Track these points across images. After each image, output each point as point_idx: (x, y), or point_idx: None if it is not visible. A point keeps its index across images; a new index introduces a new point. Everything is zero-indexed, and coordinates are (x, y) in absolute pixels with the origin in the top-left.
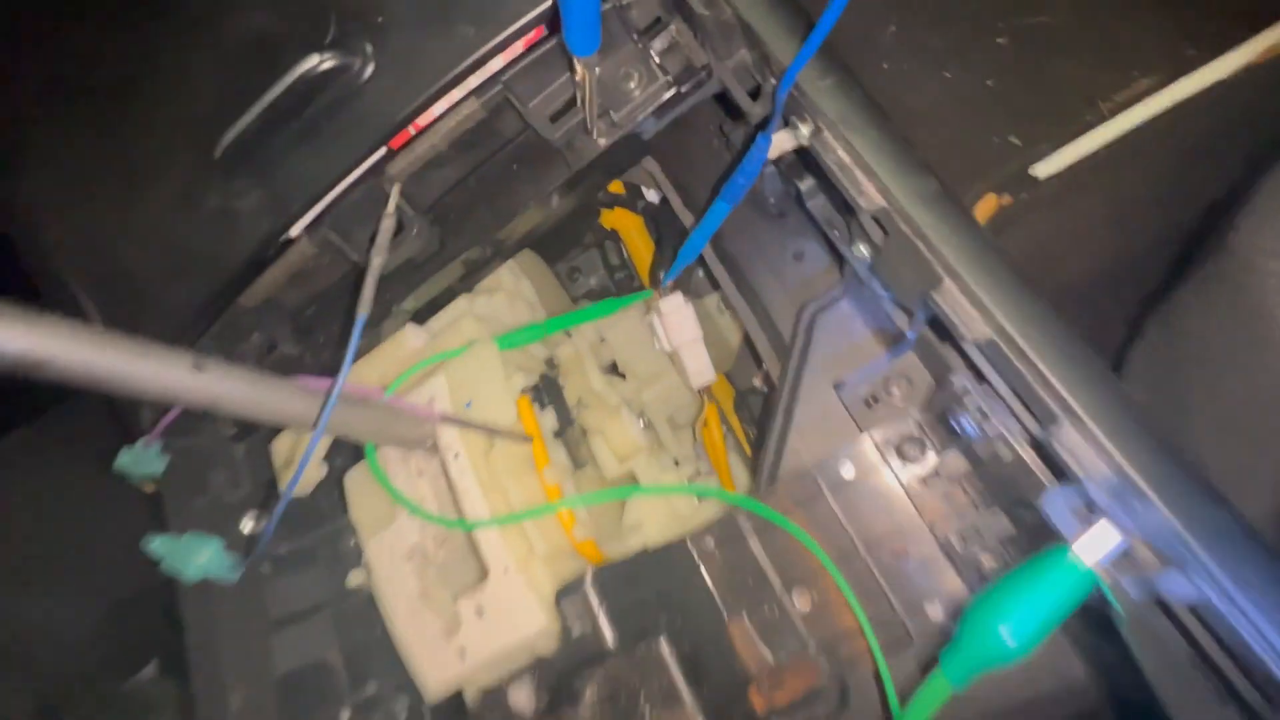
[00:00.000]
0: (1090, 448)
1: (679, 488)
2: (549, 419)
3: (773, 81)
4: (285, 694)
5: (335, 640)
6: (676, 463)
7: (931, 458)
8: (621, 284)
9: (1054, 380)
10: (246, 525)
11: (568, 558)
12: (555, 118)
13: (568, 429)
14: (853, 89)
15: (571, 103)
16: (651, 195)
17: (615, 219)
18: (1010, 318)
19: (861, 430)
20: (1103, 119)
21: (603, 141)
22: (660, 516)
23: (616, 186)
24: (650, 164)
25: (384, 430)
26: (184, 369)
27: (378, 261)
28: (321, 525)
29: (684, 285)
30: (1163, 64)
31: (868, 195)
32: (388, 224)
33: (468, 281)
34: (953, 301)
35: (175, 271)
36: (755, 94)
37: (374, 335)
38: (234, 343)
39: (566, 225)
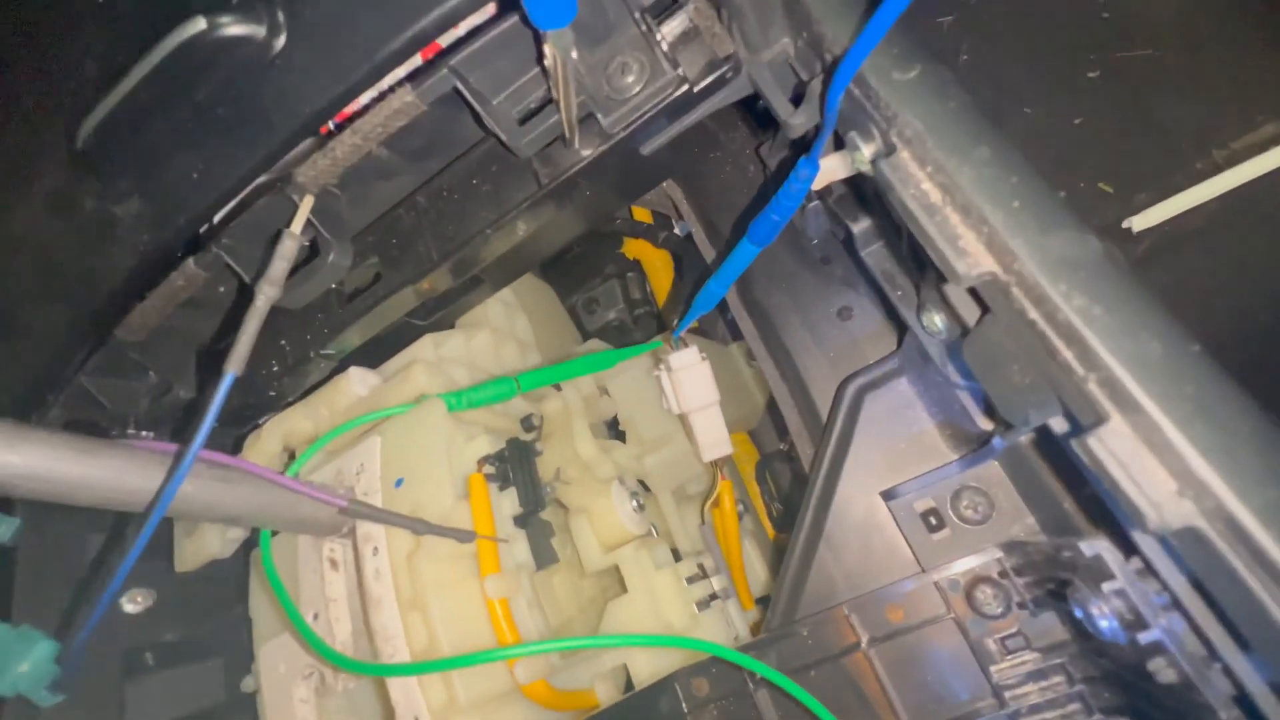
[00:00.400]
0: None
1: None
2: (508, 502)
3: (822, 80)
4: None
5: None
6: (678, 554)
7: (1020, 617)
8: (641, 321)
9: None
10: (129, 605)
11: (507, 703)
12: (525, 119)
13: (535, 513)
14: (950, 88)
15: (547, 101)
16: (679, 228)
17: (638, 249)
18: (1243, 495)
19: (919, 561)
20: (1216, 168)
21: (585, 152)
22: (647, 627)
23: (644, 215)
24: (673, 189)
25: (275, 514)
26: None
27: (263, 298)
28: (232, 603)
29: (708, 330)
30: None
31: (968, 253)
32: (287, 247)
33: (434, 317)
34: (1121, 454)
35: (41, 291)
36: (799, 99)
37: (292, 385)
38: (120, 379)
39: (586, 253)
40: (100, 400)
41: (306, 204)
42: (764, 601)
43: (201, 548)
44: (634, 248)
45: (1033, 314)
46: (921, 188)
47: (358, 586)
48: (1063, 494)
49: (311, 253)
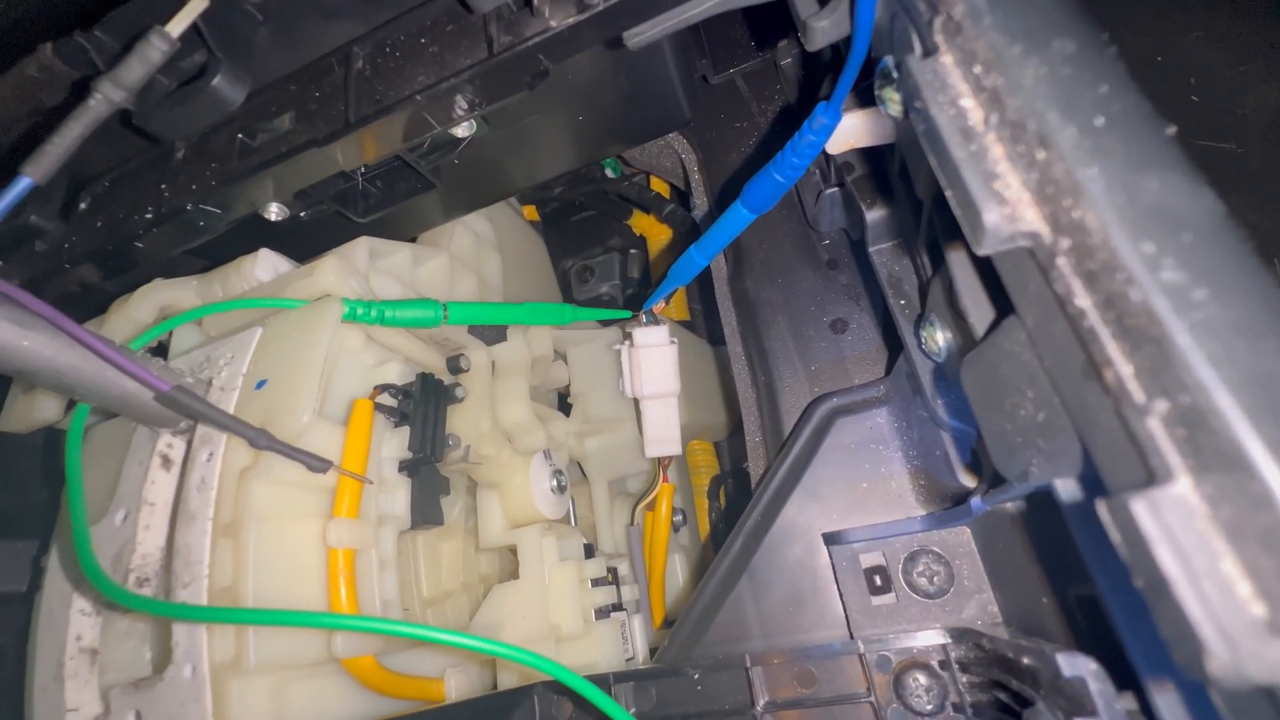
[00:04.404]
0: None
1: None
2: (397, 442)
3: None
4: None
5: None
6: (591, 552)
7: (951, 719)
8: (632, 302)
9: None
10: None
11: (316, 675)
12: None
13: (428, 463)
14: None
15: None
16: (698, 211)
17: (647, 225)
18: None
19: (850, 624)
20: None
21: (553, 22)
22: (530, 624)
23: (661, 187)
24: (682, 146)
25: (84, 384)
26: None
27: (100, 97)
28: (54, 485)
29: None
30: None
31: (1006, 200)
32: (153, 48)
33: (370, 215)
34: (1185, 532)
35: None
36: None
37: (166, 240)
38: None
39: (594, 219)
40: None
41: (196, 5)
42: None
43: (34, 409)
44: (643, 224)
45: (1083, 300)
46: (960, 104)
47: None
48: (1046, 586)
49: (197, 74)
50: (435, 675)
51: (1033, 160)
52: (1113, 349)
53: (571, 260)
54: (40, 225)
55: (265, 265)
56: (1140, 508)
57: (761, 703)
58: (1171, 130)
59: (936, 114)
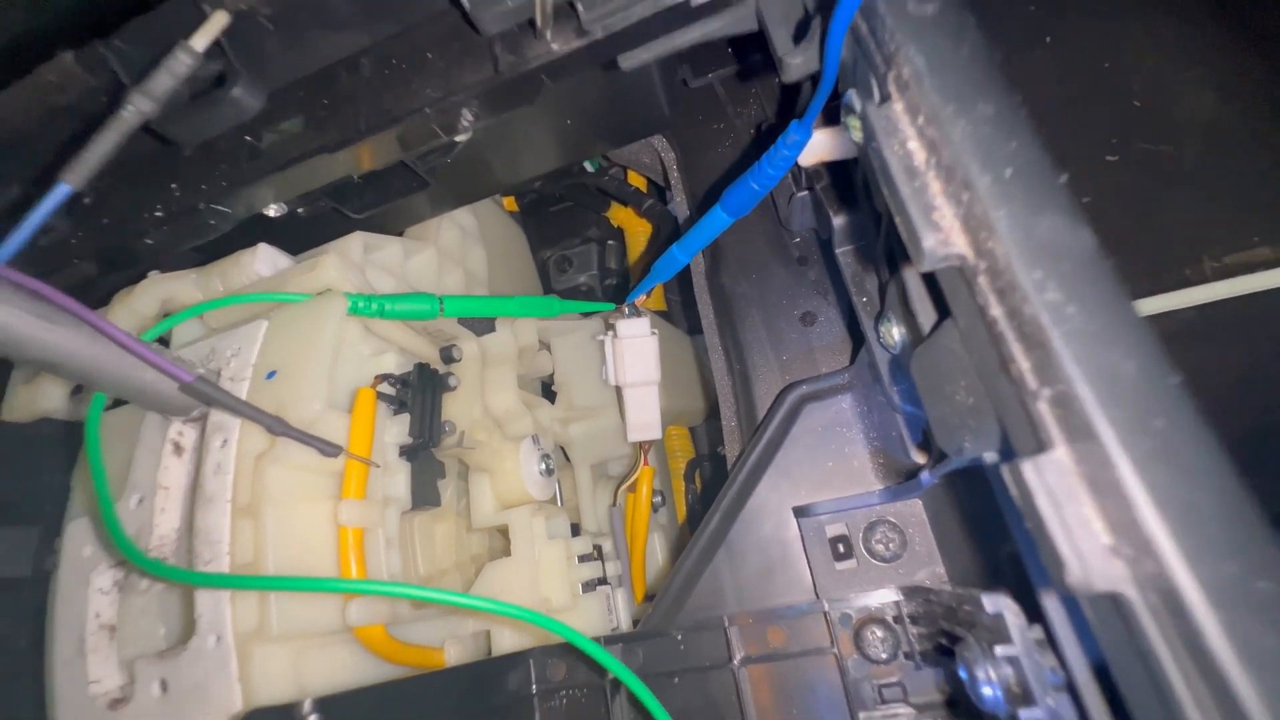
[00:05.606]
0: None
1: (509, 609)
2: (397, 428)
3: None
4: None
5: None
6: (576, 531)
7: (903, 667)
8: (610, 292)
9: None
10: None
11: (331, 644)
12: None
13: (425, 448)
14: (966, 31)
15: None
16: (673, 207)
17: (624, 218)
18: (1194, 565)
19: (816, 587)
20: (1205, 279)
21: (555, 46)
22: (522, 597)
23: (639, 181)
24: (664, 147)
25: (109, 375)
26: None
27: (133, 109)
28: (54, 473)
29: (676, 318)
30: None
31: (940, 228)
32: (180, 62)
33: (367, 212)
34: (1055, 488)
35: None
36: (801, 34)
37: (173, 237)
38: None
39: (572, 210)
40: None
41: (218, 20)
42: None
43: (37, 398)
44: (620, 216)
45: (995, 311)
46: (908, 145)
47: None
48: (980, 546)
49: (217, 84)
50: (436, 645)
51: (960, 199)
52: (1015, 349)
53: (550, 250)
54: (48, 222)
55: (264, 260)
56: (1028, 469)
57: (738, 657)
58: (1064, 178)
59: (888, 153)
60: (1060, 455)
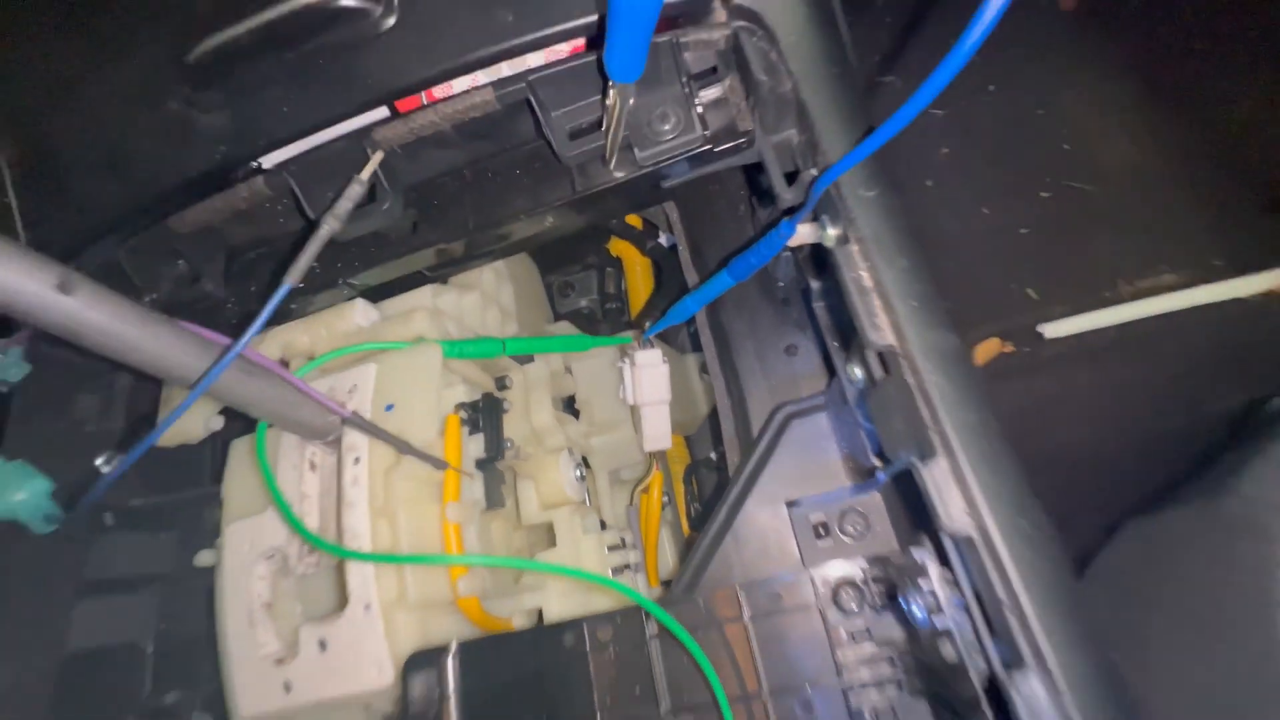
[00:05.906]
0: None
1: (580, 573)
2: (475, 445)
3: (813, 172)
4: (67, 679)
5: (154, 625)
6: (604, 524)
7: (868, 615)
8: (610, 315)
9: (1034, 624)
10: (104, 464)
11: (443, 612)
12: (575, 135)
13: (493, 460)
14: (895, 211)
15: (596, 125)
16: (665, 239)
17: (623, 249)
18: (1000, 527)
19: (803, 560)
20: (1120, 300)
21: (618, 174)
22: (565, 582)
23: (635, 220)
24: (671, 209)
25: (280, 411)
26: (44, 285)
27: (327, 229)
28: (193, 485)
29: (670, 338)
30: (1189, 265)
31: (880, 329)
32: (354, 190)
33: (441, 272)
34: (938, 481)
35: (107, 164)
36: (792, 178)
37: (307, 303)
38: (154, 261)
39: (572, 240)
40: (129, 274)
41: (377, 159)
42: (667, 584)
43: (181, 428)
44: (619, 247)
45: (910, 380)
46: (860, 274)
47: (333, 489)
48: (915, 520)
49: (368, 198)
50: (506, 617)
51: (890, 315)
52: (920, 403)
53: (552, 275)
54: (212, 292)
55: (361, 312)
56: (927, 469)
57: (747, 615)
58: (948, 305)
59: (847, 278)
60: (940, 462)
